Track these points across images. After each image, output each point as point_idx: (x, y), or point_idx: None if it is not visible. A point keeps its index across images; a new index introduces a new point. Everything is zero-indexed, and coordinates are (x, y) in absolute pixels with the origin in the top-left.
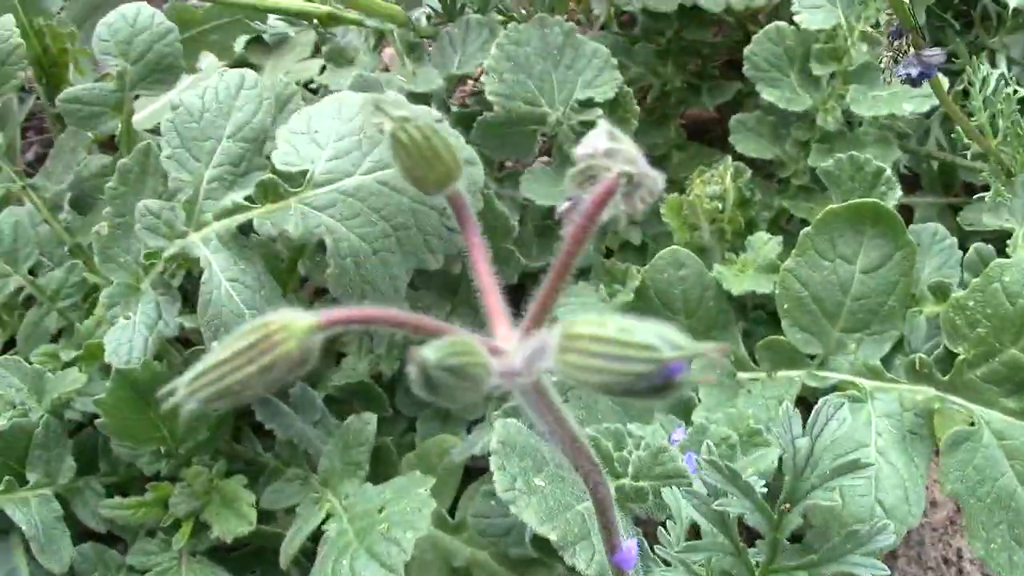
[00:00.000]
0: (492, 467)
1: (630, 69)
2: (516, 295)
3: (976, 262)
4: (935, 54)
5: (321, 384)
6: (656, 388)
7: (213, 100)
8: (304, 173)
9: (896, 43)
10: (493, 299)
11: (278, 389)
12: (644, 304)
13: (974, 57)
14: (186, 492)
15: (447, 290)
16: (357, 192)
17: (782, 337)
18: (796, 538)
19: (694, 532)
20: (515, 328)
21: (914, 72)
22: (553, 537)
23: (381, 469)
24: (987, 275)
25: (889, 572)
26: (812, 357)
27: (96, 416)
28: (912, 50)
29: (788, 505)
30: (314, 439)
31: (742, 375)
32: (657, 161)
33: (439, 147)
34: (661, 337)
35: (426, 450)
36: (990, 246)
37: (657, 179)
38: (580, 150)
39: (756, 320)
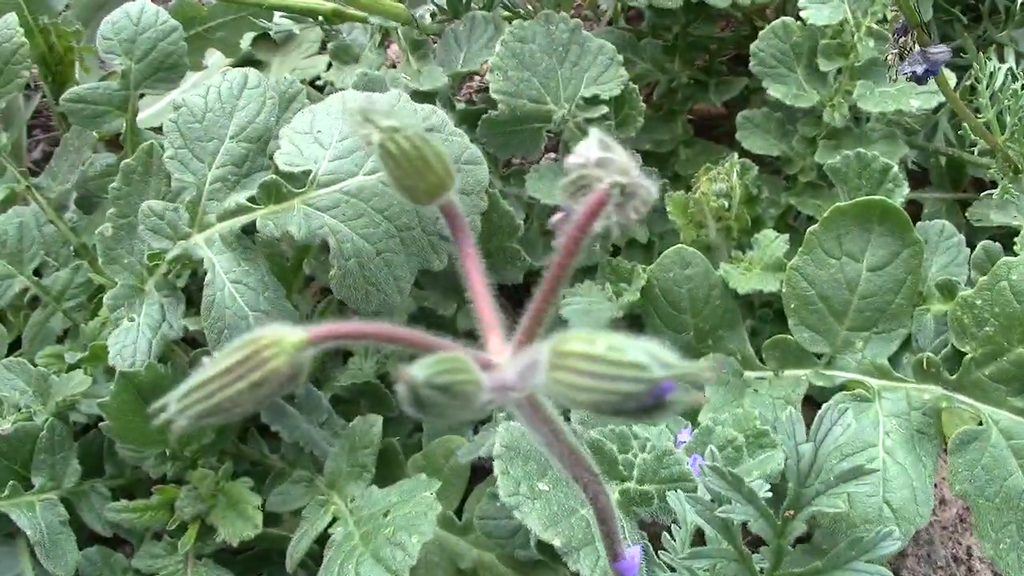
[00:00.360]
0: (496, 471)
1: (636, 65)
2: (521, 294)
3: (984, 260)
4: (940, 51)
5: (327, 384)
6: (646, 408)
7: (216, 100)
8: (307, 173)
9: (901, 40)
10: (487, 311)
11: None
12: (650, 303)
13: (981, 53)
14: (192, 495)
15: (452, 290)
16: (360, 192)
17: (789, 336)
18: (804, 537)
19: (699, 536)
20: (509, 340)
21: (919, 69)
22: (557, 543)
23: (387, 470)
24: (994, 273)
25: None
26: (819, 356)
27: (101, 418)
28: (917, 47)
29: (792, 512)
30: (320, 441)
31: (749, 374)
32: (663, 158)
33: (430, 157)
34: (652, 356)
35: (432, 451)
36: (998, 244)
37: (651, 189)
38: (571, 160)
39: (763, 318)
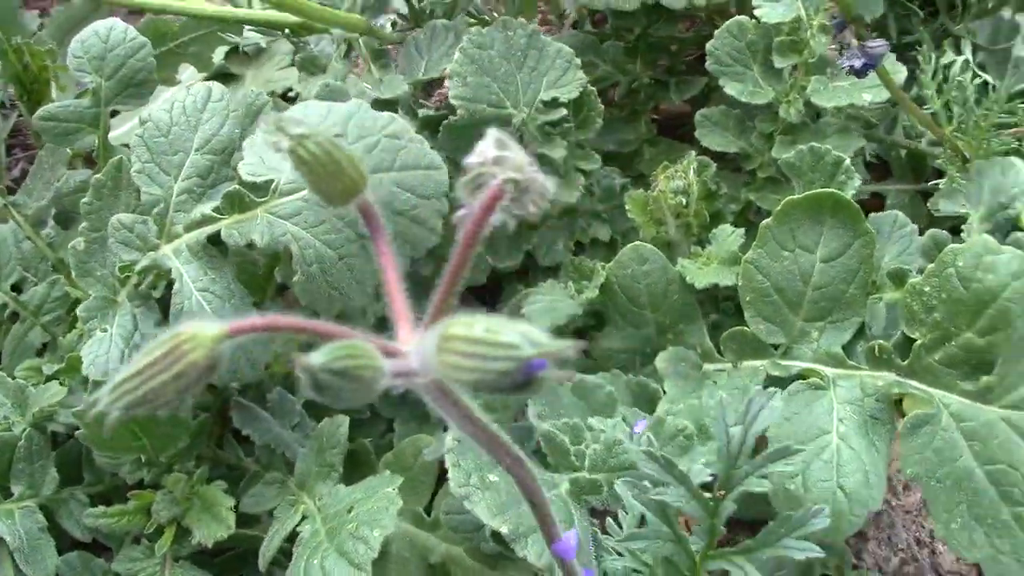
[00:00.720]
0: (447, 464)
1: (598, 67)
2: (484, 294)
3: (931, 248)
4: (878, 45)
5: (301, 391)
6: (519, 384)
7: (181, 114)
8: (270, 183)
9: (839, 35)
10: (398, 303)
11: (256, 394)
12: (610, 299)
13: (925, 46)
14: (167, 499)
15: (418, 293)
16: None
17: (746, 328)
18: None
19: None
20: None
21: (857, 63)
22: (504, 530)
23: (359, 469)
24: (941, 260)
25: (822, 553)
26: (776, 347)
27: (79, 427)
28: (855, 42)
29: (723, 492)
30: (292, 443)
31: (708, 366)
32: (628, 157)
33: (341, 161)
34: (523, 336)
35: (402, 450)
36: (945, 232)
37: (546, 183)
38: (470, 159)
39: (726, 311)
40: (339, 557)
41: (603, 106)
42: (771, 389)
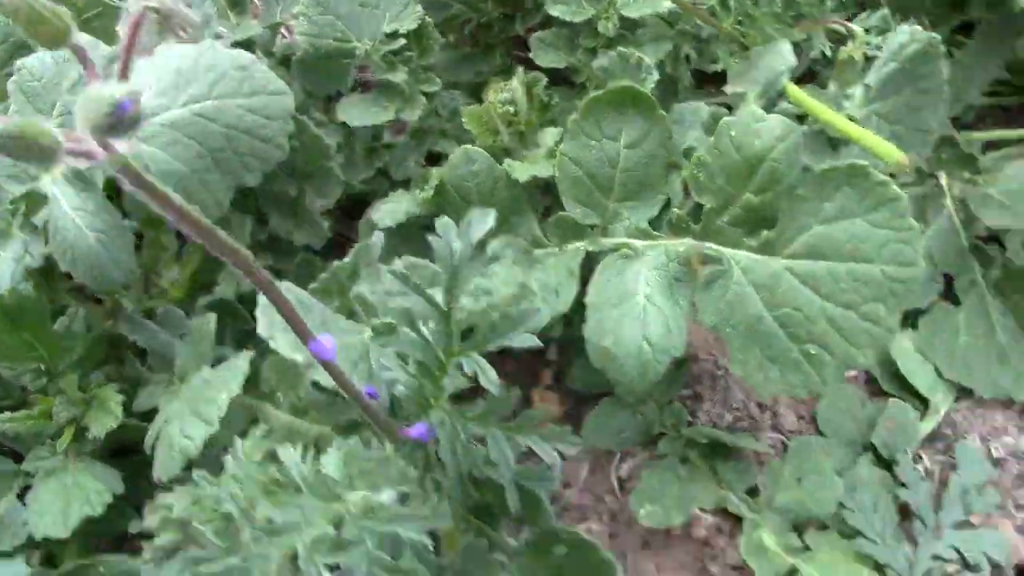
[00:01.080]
0: (258, 316)
1: (453, 7)
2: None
3: (711, 123)
4: None
5: (195, 309)
6: (120, 124)
7: (52, 62)
8: None
9: None
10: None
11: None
12: (444, 199)
13: None
14: (65, 400)
15: (291, 213)
16: (175, 124)
17: (566, 213)
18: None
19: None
20: None
21: None
22: (299, 359)
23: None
24: (718, 132)
25: (540, 344)
26: (593, 227)
27: None
28: None
29: (451, 295)
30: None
31: (538, 251)
32: (485, 86)
33: (43, 11)
34: (115, 87)
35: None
36: (724, 109)
37: (190, 15)
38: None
39: None
40: (192, 415)
41: (459, 40)
42: (488, 209)
